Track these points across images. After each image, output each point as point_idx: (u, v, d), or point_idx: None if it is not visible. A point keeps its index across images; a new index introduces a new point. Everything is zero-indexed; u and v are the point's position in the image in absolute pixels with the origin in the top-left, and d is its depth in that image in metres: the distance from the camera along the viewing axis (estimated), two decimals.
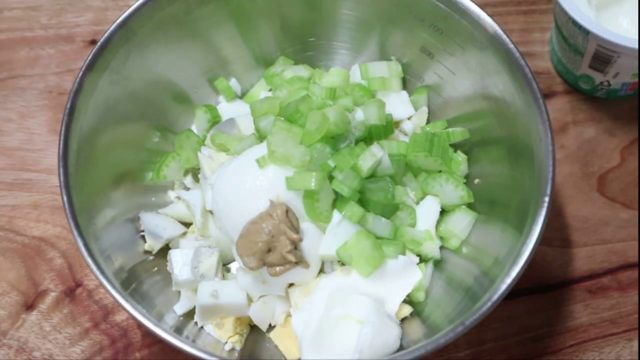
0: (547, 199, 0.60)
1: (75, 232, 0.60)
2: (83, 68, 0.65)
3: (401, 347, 0.63)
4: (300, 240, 0.64)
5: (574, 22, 0.73)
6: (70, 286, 0.75)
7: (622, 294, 0.75)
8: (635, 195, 0.79)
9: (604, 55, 0.75)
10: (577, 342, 0.73)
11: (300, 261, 0.64)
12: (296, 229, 0.64)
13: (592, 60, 0.77)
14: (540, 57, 0.87)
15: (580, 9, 0.74)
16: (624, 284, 0.76)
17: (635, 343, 0.73)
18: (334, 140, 0.66)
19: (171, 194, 0.75)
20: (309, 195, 0.64)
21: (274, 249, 0.63)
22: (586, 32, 0.73)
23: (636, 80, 0.79)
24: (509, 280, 0.58)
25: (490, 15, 0.66)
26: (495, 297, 0.57)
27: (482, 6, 0.66)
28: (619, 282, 0.76)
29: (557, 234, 0.78)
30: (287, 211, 0.64)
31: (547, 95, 0.85)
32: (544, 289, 0.76)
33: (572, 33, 0.76)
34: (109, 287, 0.58)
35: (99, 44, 0.66)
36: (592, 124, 0.83)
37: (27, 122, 0.84)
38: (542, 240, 0.59)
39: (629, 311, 0.75)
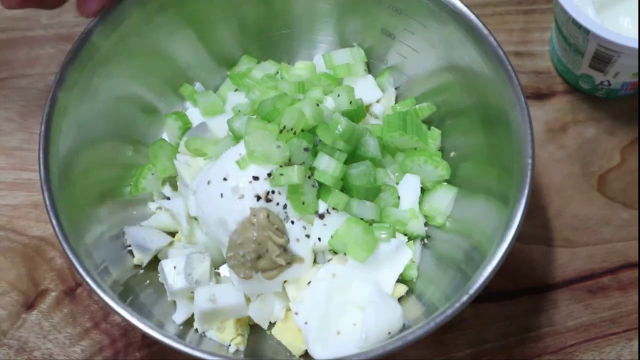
0: (530, 160, 0.60)
1: (71, 255, 0.60)
2: (53, 87, 0.64)
3: (403, 327, 0.63)
4: (287, 241, 0.64)
5: (574, 22, 0.73)
6: (71, 286, 0.75)
7: (623, 293, 0.75)
8: (635, 195, 0.79)
9: (604, 55, 0.75)
10: (577, 342, 0.73)
11: (292, 260, 0.64)
12: (281, 231, 0.64)
13: (592, 60, 0.77)
14: (541, 57, 0.87)
15: (580, 8, 0.74)
16: (624, 284, 0.76)
17: (636, 343, 0.73)
18: (311, 133, 0.66)
19: (152, 206, 0.74)
20: (294, 190, 0.64)
21: (264, 255, 0.63)
22: (586, 32, 0.73)
23: (636, 80, 0.79)
24: (505, 244, 0.58)
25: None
26: (496, 260, 0.57)
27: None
28: (619, 282, 0.76)
29: (557, 234, 0.78)
30: (269, 215, 0.64)
31: (547, 95, 0.85)
32: (544, 289, 0.75)
33: (572, 33, 0.76)
34: (114, 305, 0.59)
35: (64, 61, 0.65)
36: (592, 124, 0.83)
37: (27, 121, 0.84)
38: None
39: (629, 311, 0.75)
